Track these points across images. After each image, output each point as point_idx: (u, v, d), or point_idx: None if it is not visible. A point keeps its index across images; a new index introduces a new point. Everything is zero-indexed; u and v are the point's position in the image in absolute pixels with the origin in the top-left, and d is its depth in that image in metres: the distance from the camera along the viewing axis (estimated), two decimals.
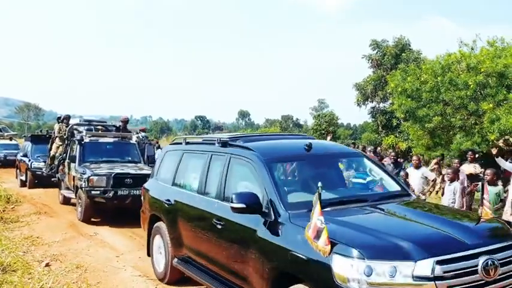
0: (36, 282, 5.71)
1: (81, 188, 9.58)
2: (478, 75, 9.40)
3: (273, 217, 3.84)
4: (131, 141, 12.11)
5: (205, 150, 5.25)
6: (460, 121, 10.13)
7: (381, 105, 30.75)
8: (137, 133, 13.55)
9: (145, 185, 6.52)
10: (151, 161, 11.33)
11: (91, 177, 9.43)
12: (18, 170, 17.17)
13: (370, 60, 30.61)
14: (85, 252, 7.36)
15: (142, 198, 6.54)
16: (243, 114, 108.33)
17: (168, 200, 5.55)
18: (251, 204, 3.89)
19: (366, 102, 31.21)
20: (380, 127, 30.84)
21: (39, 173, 14.86)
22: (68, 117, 13.10)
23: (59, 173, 12.05)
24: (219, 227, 4.46)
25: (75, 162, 10.58)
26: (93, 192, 9.36)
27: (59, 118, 13.71)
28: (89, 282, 5.87)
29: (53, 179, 12.74)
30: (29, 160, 15.65)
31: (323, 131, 42.91)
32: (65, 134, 12.21)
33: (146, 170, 10.00)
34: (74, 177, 10.38)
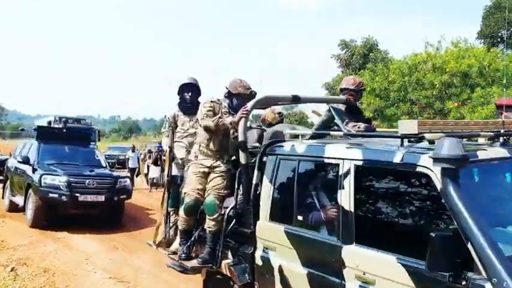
0: None
1: None
2: (443, 75, 9.70)
3: None
4: None
5: None
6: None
7: None
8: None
9: None
10: None
11: None
12: (8, 183, 10.67)
13: (339, 60, 31.06)
14: (53, 255, 7.18)
15: None
16: None
17: None
18: None
19: None
20: None
21: (55, 196, 8.52)
22: (253, 95, 4.25)
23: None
24: None
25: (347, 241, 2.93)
26: None
27: (182, 93, 4.89)
28: (57, 286, 5.74)
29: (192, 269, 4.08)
30: (34, 170, 9.00)
31: None
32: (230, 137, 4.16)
33: None
34: None
